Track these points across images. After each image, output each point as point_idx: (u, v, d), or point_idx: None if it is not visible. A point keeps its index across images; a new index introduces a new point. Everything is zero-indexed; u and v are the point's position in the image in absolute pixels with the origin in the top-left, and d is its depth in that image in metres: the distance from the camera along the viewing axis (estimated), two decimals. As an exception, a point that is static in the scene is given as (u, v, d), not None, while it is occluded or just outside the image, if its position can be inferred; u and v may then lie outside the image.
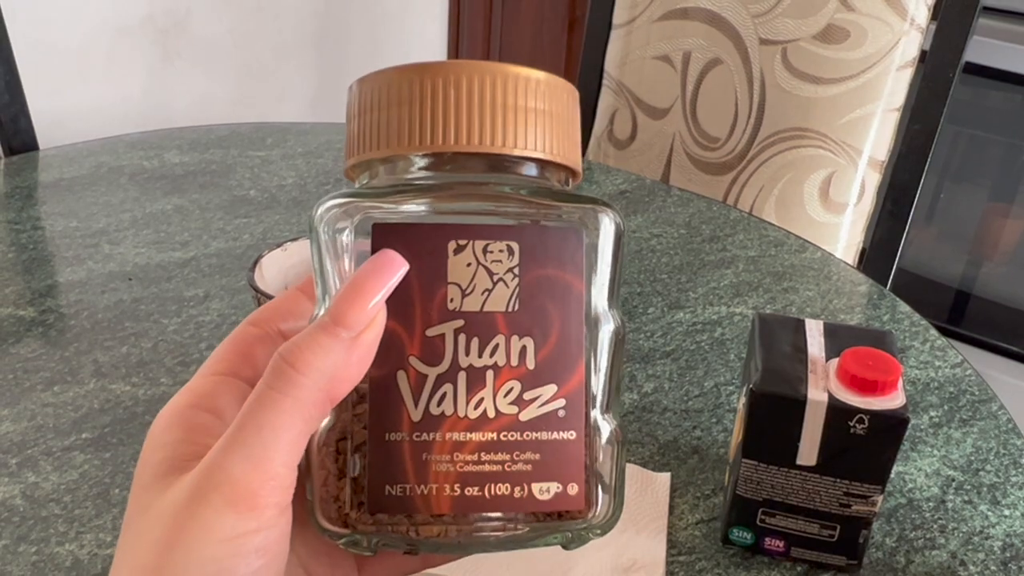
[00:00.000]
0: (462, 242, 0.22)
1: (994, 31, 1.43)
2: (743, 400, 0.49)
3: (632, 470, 0.55)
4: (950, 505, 0.55)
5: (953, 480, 0.57)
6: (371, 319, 0.21)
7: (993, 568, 0.50)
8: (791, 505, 0.48)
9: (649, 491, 0.54)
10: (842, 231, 1.02)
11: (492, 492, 0.22)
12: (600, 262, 0.24)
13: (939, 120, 0.94)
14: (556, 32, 1.83)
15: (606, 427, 0.25)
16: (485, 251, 0.22)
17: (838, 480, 0.47)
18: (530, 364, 0.23)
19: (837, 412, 0.45)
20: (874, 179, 1.01)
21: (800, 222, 1.01)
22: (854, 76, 0.97)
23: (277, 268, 0.56)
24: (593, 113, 1.16)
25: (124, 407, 0.60)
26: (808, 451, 0.46)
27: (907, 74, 0.98)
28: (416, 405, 0.22)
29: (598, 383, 0.24)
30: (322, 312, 0.23)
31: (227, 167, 0.94)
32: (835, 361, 0.47)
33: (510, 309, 0.23)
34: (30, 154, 0.96)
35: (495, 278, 0.23)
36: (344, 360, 0.21)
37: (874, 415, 0.45)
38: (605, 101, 1.15)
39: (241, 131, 1.02)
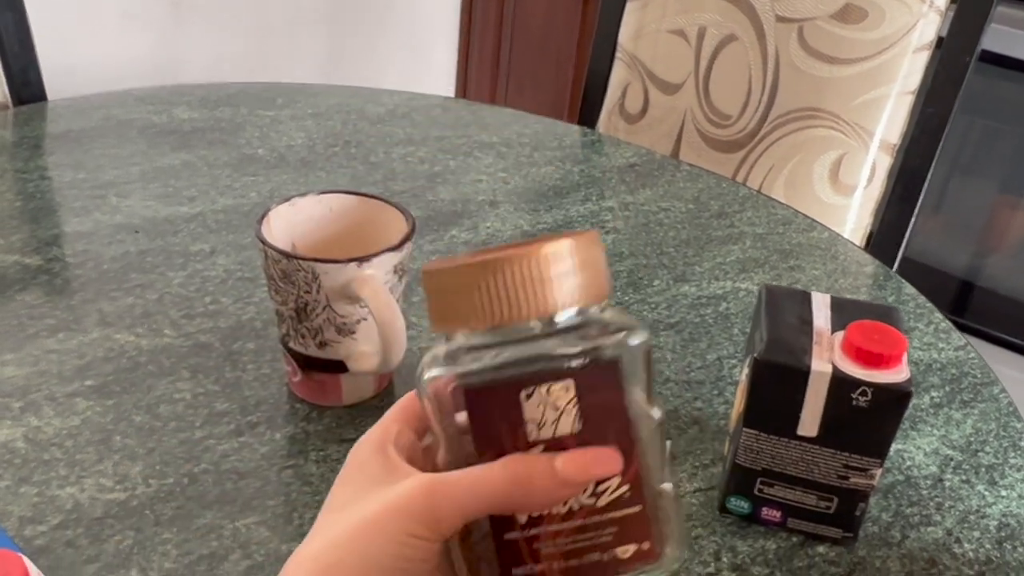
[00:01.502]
0: (529, 390, 0.30)
1: (1010, 19, 1.42)
2: (746, 371, 0.49)
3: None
4: (947, 484, 0.55)
5: (952, 460, 0.57)
6: (580, 485, 0.30)
7: (988, 547, 0.51)
8: (790, 476, 0.49)
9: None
10: (850, 213, 1.02)
11: (587, 560, 0.31)
12: (635, 375, 0.31)
13: (953, 105, 0.94)
14: (570, 2, 1.82)
15: (664, 489, 0.32)
16: (548, 392, 0.30)
17: (838, 452, 0.47)
18: None
19: (840, 383, 0.45)
20: (885, 162, 1.00)
21: (809, 203, 1.01)
22: (870, 57, 0.96)
23: (285, 222, 0.56)
24: (605, 86, 1.16)
25: (128, 356, 0.60)
26: (809, 422, 0.47)
27: (923, 57, 0.97)
28: (524, 513, 0.31)
29: (652, 462, 0.31)
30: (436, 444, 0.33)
31: (236, 125, 0.93)
32: (840, 334, 0.47)
33: (574, 431, 0.30)
34: (39, 104, 0.95)
35: (559, 410, 0.30)
36: (553, 498, 0.30)
37: (877, 388, 0.45)
38: (618, 74, 1.14)
39: (251, 90, 1.02)
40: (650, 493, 0.31)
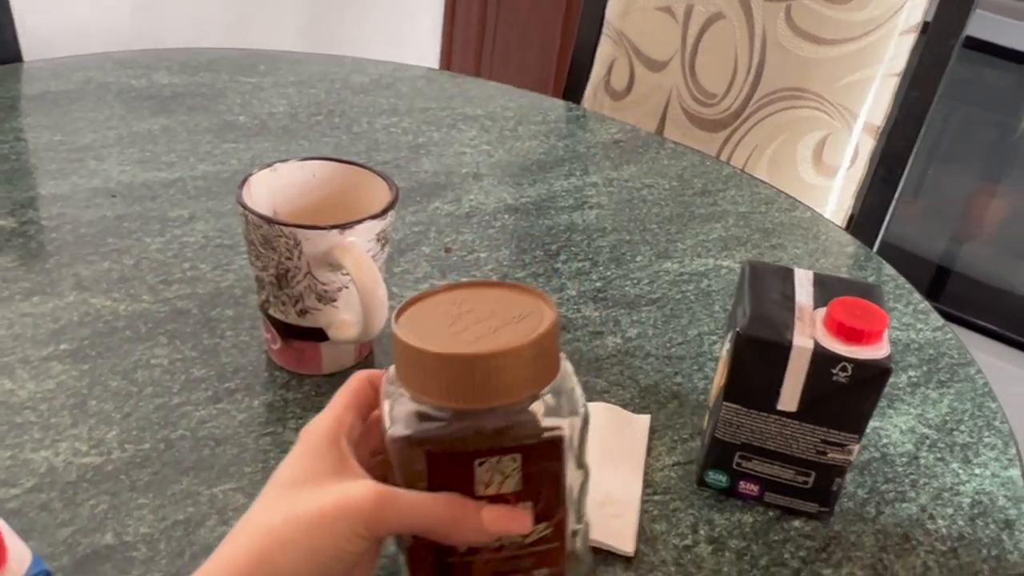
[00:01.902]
0: (482, 460, 0.36)
1: (995, 5, 1.42)
2: (728, 345, 0.49)
3: (613, 411, 0.55)
4: (923, 461, 0.55)
5: (927, 438, 0.57)
6: (494, 536, 0.37)
7: (961, 523, 0.51)
8: (768, 450, 0.49)
9: (628, 432, 0.54)
10: (832, 195, 1.02)
11: None
12: (572, 448, 0.37)
13: (937, 88, 0.94)
14: (557, -20, 1.80)
15: (578, 527, 0.40)
16: (499, 462, 0.36)
17: (817, 427, 0.47)
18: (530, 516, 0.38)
19: (822, 359, 0.45)
20: (868, 144, 1.01)
21: (791, 184, 1.01)
22: (856, 38, 0.96)
23: (267, 188, 0.55)
24: (591, 62, 1.15)
25: (104, 321, 0.59)
26: (789, 397, 0.47)
27: (910, 39, 0.97)
28: (462, 544, 0.38)
29: (573, 508, 0.39)
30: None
31: (217, 91, 0.92)
32: (823, 310, 0.47)
33: (515, 489, 0.37)
34: (14, 65, 0.93)
35: (505, 475, 0.36)
36: (476, 539, 0.37)
37: (858, 364, 0.45)
38: (604, 50, 1.14)
39: (232, 56, 1.00)
40: (568, 533, 0.39)
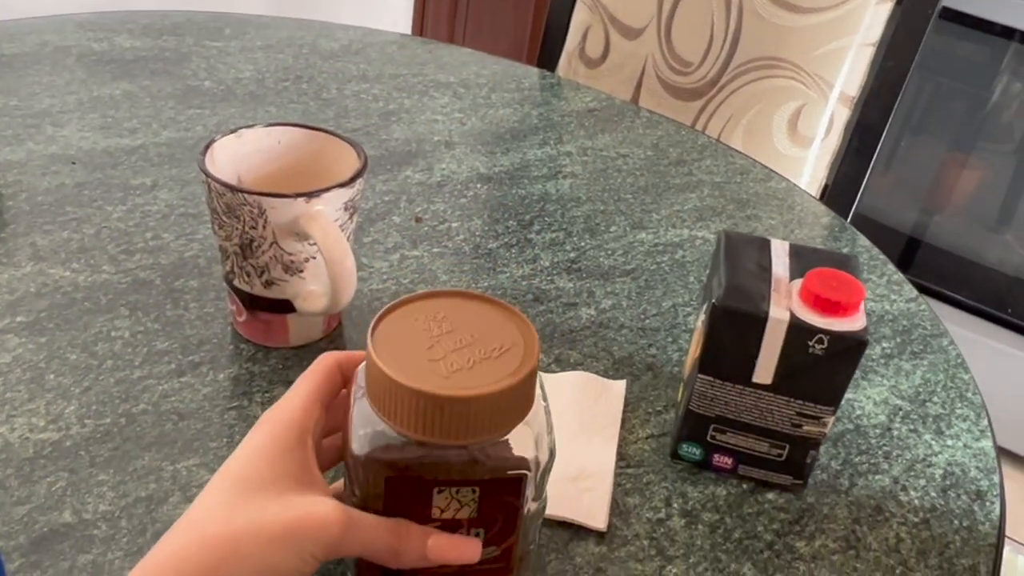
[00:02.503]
0: (441, 488, 0.36)
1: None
2: (703, 316, 0.48)
3: (588, 379, 0.55)
4: (895, 433, 0.55)
5: (900, 409, 0.57)
6: (438, 564, 0.37)
7: (933, 494, 0.51)
8: (743, 423, 0.48)
9: (603, 398, 0.54)
10: (807, 166, 1.02)
11: None
12: (532, 485, 0.37)
13: (913, 57, 0.93)
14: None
15: (527, 550, 0.40)
16: (457, 492, 0.36)
17: (792, 400, 0.47)
18: (482, 539, 0.38)
19: (798, 331, 0.45)
20: (843, 115, 1.00)
21: (766, 154, 1.00)
22: (833, 7, 0.95)
23: (231, 154, 0.53)
24: (566, 28, 1.13)
25: (63, 292, 0.57)
26: (765, 369, 0.46)
27: (886, 9, 0.96)
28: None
29: (526, 534, 0.39)
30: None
31: (181, 55, 0.89)
32: (799, 281, 0.47)
33: (470, 516, 0.37)
34: (-32, 27, 0.90)
35: (463, 503, 0.36)
36: (420, 564, 0.37)
37: (834, 336, 0.44)
38: (579, 17, 1.12)
39: (198, 19, 0.97)
40: (516, 557, 0.39)
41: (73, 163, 0.70)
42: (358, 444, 0.36)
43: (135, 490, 0.45)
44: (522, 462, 0.36)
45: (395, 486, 0.36)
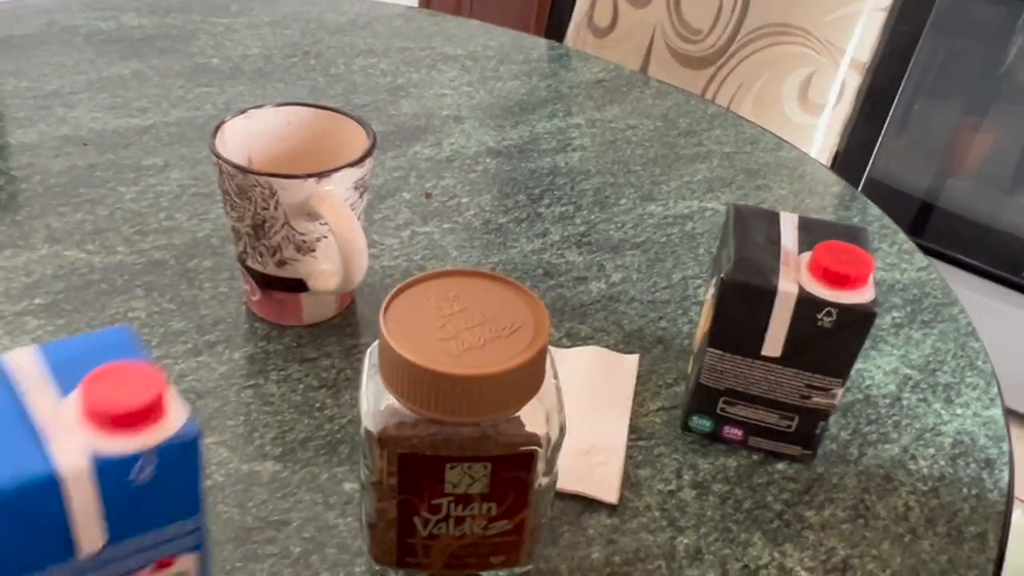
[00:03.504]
0: (454, 464, 0.37)
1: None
2: (712, 290, 0.49)
3: (601, 353, 0.55)
4: (905, 402, 0.56)
5: (910, 379, 0.58)
6: None
7: (942, 463, 0.52)
8: (752, 395, 0.49)
9: (616, 372, 0.54)
10: (817, 134, 1.01)
11: (466, 562, 0.41)
12: (541, 460, 0.38)
13: (925, 23, 0.92)
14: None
15: (539, 523, 0.41)
16: (470, 468, 0.37)
17: (801, 372, 0.47)
18: (494, 513, 0.39)
19: (806, 304, 0.45)
20: (855, 81, 0.99)
21: (777, 122, 0.99)
22: (844, -29, 0.94)
23: (241, 135, 0.54)
24: (573, -2, 1.12)
25: (79, 274, 0.58)
26: (774, 342, 0.46)
27: (897, -28, 0.95)
28: (424, 529, 0.39)
29: (538, 508, 0.40)
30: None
31: (188, 33, 0.89)
32: (808, 254, 0.47)
33: (482, 491, 0.38)
34: (-23, 8, 0.90)
35: (475, 478, 0.37)
36: None
37: (842, 308, 0.45)
38: (586, -14, 1.11)
39: (203, -4, 0.97)
40: (527, 530, 0.40)
41: (85, 144, 0.71)
42: (371, 421, 0.37)
43: (156, 468, 0.46)
44: (533, 438, 0.37)
45: (408, 462, 0.37)
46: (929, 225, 1.67)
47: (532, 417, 0.37)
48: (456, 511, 0.39)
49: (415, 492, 0.38)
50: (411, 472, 0.37)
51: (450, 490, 0.38)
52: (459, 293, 0.38)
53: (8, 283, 0.57)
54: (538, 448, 0.37)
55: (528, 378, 0.36)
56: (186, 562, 0.34)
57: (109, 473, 0.29)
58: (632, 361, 0.55)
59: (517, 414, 0.37)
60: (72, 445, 0.29)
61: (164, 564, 0.33)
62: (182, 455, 0.31)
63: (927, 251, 1.74)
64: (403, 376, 0.35)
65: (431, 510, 0.38)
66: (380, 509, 0.39)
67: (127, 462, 0.29)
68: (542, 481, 0.39)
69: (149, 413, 0.30)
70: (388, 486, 0.38)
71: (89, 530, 0.30)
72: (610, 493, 0.47)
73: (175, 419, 0.30)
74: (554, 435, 0.38)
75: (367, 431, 0.37)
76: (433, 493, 0.38)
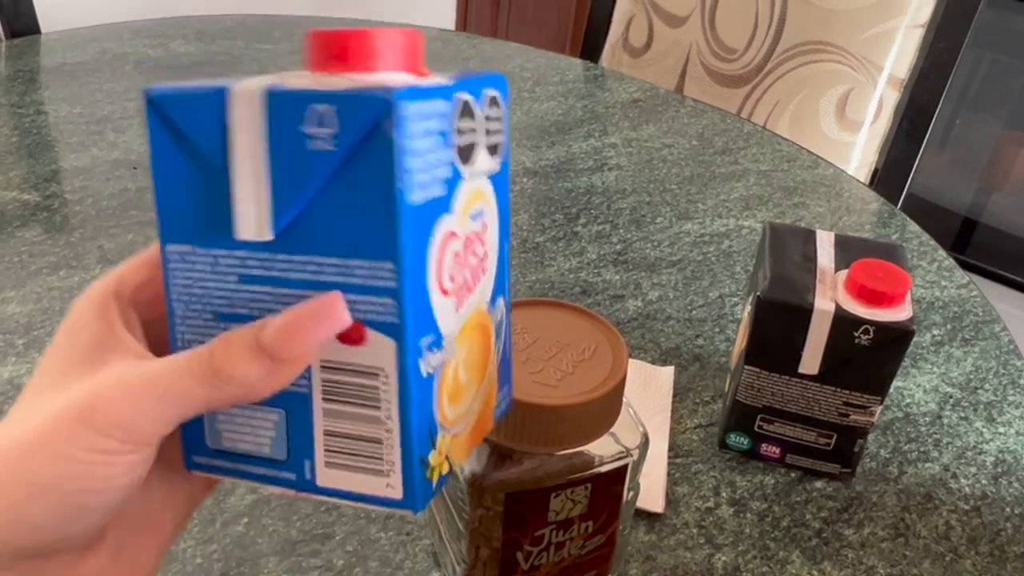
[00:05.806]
0: (557, 492, 0.37)
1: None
2: (749, 308, 0.49)
3: (637, 366, 0.56)
4: (946, 421, 0.55)
5: (951, 397, 0.57)
6: (298, 358, 0.23)
7: (984, 482, 0.51)
8: (790, 413, 0.49)
9: (653, 385, 0.55)
10: (855, 151, 1.01)
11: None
12: (631, 473, 0.38)
13: (964, 39, 0.92)
14: (573, -66, 1.77)
15: (625, 535, 0.42)
16: (572, 492, 0.37)
17: (838, 390, 0.47)
18: (590, 531, 0.39)
19: (843, 322, 0.45)
20: (892, 98, 0.99)
21: (814, 139, 0.99)
22: (880, -11, 0.94)
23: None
24: (609, 18, 1.13)
25: (130, 294, 0.60)
26: (811, 360, 0.47)
27: (935, -11, 0.95)
28: (526, 563, 0.39)
29: (626, 519, 0.41)
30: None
31: (234, 59, 0.92)
32: (844, 272, 0.47)
33: (581, 513, 0.38)
34: (32, 37, 0.94)
35: (576, 501, 0.37)
36: (261, 388, 0.23)
37: (879, 326, 0.45)
38: (622, 7, 1.12)
39: (248, 23, 1.00)
40: (618, 540, 0.41)
41: (135, 168, 0.73)
42: (472, 467, 0.36)
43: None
44: (625, 450, 0.37)
45: (514, 500, 0.36)
46: (971, 241, 1.65)
47: (623, 429, 0.38)
48: (556, 537, 0.38)
49: (519, 528, 0.37)
50: (517, 508, 0.37)
51: (552, 518, 0.37)
52: (525, 325, 0.38)
53: (63, 302, 0.59)
54: (632, 459, 0.37)
55: (615, 400, 0.36)
56: (382, 348, 0.23)
57: (280, 111, 0.22)
58: (668, 373, 0.56)
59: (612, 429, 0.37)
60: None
61: (351, 336, 0.23)
62: (375, 137, 0.21)
63: (969, 267, 1.72)
64: (509, 416, 0.34)
65: (533, 542, 0.38)
66: (475, 551, 0.38)
67: (303, 100, 0.22)
68: (631, 492, 0.39)
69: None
70: (485, 528, 0.37)
71: (252, 198, 0.23)
72: (657, 503, 0.47)
73: (383, 79, 0.22)
74: (640, 448, 0.38)
75: (468, 480, 0.36)
76: (537, 525, 0.37)
